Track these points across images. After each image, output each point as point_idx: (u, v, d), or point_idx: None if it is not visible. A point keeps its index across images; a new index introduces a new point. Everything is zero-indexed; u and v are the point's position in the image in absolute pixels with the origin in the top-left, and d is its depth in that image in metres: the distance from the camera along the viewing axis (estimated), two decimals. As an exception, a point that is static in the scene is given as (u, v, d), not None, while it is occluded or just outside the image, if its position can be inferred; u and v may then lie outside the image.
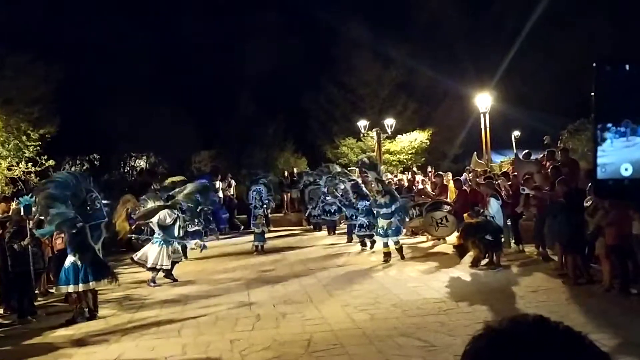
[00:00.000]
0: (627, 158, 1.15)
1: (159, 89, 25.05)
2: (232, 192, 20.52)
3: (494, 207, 10.09)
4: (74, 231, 7.90)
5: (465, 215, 10.80)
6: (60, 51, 21.08)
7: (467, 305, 7.62)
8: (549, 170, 10.68)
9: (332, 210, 16.05)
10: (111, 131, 22.88)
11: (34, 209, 8.35)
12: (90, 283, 7.99)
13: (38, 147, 16.09)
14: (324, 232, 16.99)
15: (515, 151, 13.66)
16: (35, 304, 8.95)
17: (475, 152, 17.33)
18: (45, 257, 9.64)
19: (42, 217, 8.32)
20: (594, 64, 1.17)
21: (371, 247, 12.68)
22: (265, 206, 14.12)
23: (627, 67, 1.16)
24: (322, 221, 17.05)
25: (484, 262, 10.12)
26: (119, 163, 25.79)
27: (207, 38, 28.62)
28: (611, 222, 7.73)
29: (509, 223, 11.34)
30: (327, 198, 15.56)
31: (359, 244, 13.06)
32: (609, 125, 1.15)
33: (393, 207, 11.20)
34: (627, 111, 1.15)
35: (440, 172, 16.61)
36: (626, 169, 1.16)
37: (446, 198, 13.86)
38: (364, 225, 12.57)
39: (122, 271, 12.31)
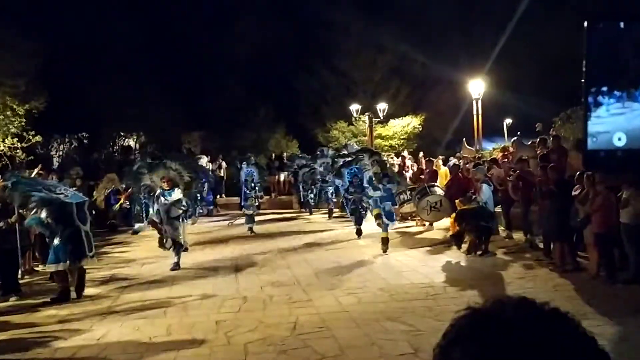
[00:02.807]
0: (622, 126, 1.05)
1: (150, 68, 24.75)
2: (222, 174, 20.46)
3: (486, 193, 10.10)
4: (56, 205, 7.85)
5: (457, 201, 10.76)
6: (49, 27, 20.72)
7: (455, 291, 7.63)
8: (539, 157, 10.71)
9: (330, 193, 16.08)
10: (101, 110, 22.58)
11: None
12: (83, 260, 7.96)
13: (23, 123, 15.81)
14: (316, 216, 16.99)
15: (517, 136, 13.55)
16: (20, 282, 8.84)
17: (465, 139, 17.32)
18: (31, 235, 9.56)
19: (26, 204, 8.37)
20: (585, 22, 1.06)
21: (358, 235, 12.36)
22: (257, 188, 14.06)
23: (622, 24, 1.05)
24: (315, 205, 17.10)
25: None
26: (108, 142, 25.52)
27: (199, 18, 28.23)
28: (597, 209, 7.74)
29: (498, 209, 11.37)
30: (326, 181, 15.60)
31: (355, 232, 12.34)
32: (604, 88, 1.05)
33: (391, 190, 10.95)
34: (623, 73, 1.05)
35: (432, 158, 16.54)
36: (619, 139, 1.06)
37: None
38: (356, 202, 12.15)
39: (109, 251, 12.25)
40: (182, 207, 9.78)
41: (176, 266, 9.69)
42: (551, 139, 11.95)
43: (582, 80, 1.07)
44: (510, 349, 0.74)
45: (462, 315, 0.82)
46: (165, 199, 9.83)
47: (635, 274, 7.50)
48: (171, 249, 9.80)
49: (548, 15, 23.24)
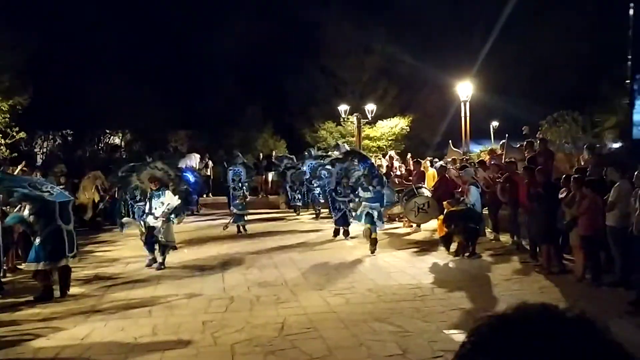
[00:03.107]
0: None
1: (138, 66, 24.54)
2: (209, 173, 20.33)
3: (474, 195, 10.13)
4: (39, 202, 7.72)
5: (444, 203, 10.78)
6: (35, 22, 20.46)
7: (442, 292, 7.64)
8: (526, 159, 10.78)
9: (317, 194, 16.06)
10: (86, 107, 22.33)
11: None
12: (62, 260, 7.81)
13: (7, 119, 15.57)
14: (304, 216, 16.92)
15: (505, 139, 13.55)
16: (3, 280, 8.68)
17: (451, 141, 17.40)
18: (14, 232, 9.41)
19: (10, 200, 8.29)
20: (631, 3, 1.02)
21: (346, 236, 12.31)
22: (244, 188, 13.99)
23: None
24: (302, 205, 17.05)
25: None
26: (94, 140, 25.25)
27: (188, 17, 28.07)
28: (583, 212, 7.79)
29: (485, 211, 11.41)
30: (313, 183, 15.57)
31: (342, 232, 12.42)
32: None
33: (380, 192, 10.83)
34: None
35: (419, 159, 16.59)
36: None
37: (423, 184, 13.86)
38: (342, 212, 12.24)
39: (93, 249, 12.10)
40: (176, 216, 9.77)
41: (161, 265, 9.59)
42: (538, 141, 12.05)
43: (629, 65, 1.03)
44: (535, 356, 0.71)
45: (482, 323, 0.79)
46: (160, 201, 9.67)
47: (620, 276, 7.56)
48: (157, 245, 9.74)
49: (536, 19, 23.44)
